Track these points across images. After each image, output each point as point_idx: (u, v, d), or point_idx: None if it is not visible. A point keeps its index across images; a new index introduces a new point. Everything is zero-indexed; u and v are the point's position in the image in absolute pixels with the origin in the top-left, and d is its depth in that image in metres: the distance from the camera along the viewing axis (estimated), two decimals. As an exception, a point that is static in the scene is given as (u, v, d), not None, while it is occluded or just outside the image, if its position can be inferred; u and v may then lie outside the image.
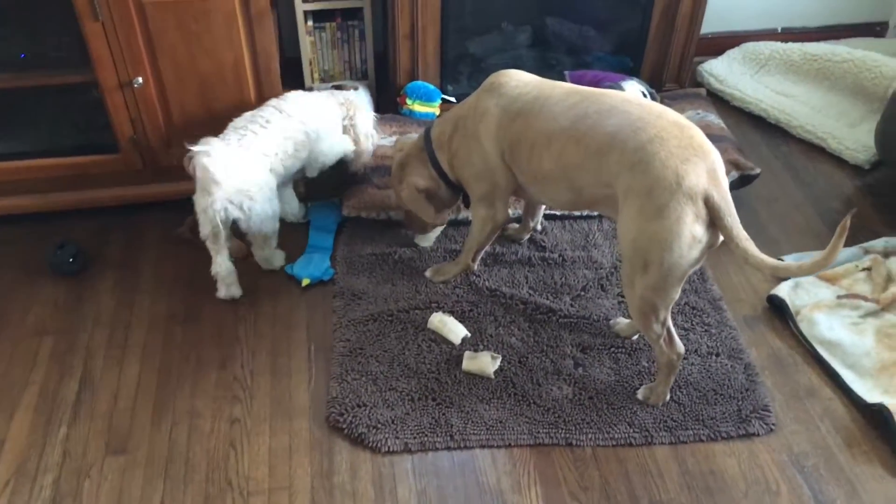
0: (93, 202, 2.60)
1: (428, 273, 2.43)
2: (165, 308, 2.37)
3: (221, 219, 2.19)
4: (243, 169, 2.21)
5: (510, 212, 2.55)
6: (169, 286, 2.44)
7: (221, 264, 2.32)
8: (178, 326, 2.31)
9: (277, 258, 2.47)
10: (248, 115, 2.34)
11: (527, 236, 2.56)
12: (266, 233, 2.35)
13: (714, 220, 1.77)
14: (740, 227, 1.78)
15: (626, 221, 1.83)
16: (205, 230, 2.23)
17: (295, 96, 2.43)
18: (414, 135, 2.34)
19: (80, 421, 2.06)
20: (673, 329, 1.98)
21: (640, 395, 2.09)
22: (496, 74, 2.16)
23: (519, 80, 2.11)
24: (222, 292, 2.37)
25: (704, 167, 1.76)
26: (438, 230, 2.55)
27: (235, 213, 2.21)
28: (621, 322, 2.28)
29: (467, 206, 2.38)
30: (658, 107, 1.89)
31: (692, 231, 1.75)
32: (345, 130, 2.56)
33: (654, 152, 1.77)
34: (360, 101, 2.60)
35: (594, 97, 1.95)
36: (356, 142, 2.58)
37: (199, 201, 2.18)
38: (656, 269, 1.80)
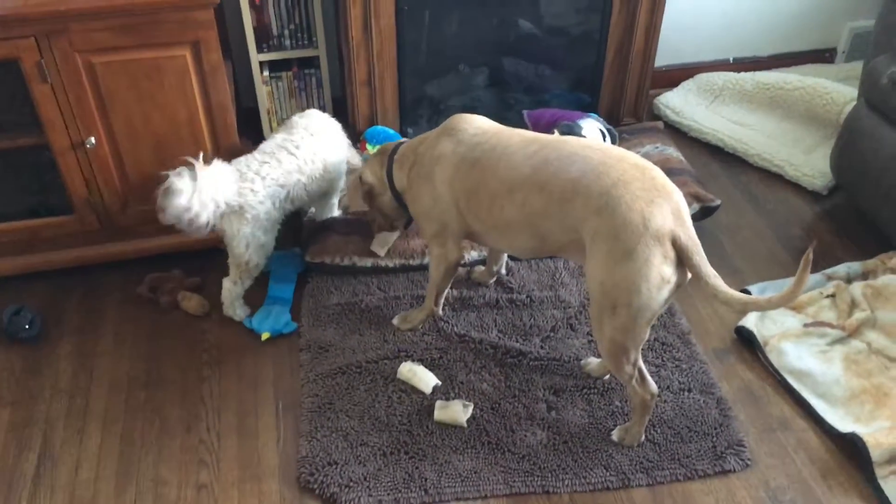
0: (49, 265, 2.54)
1: (395, 321, 2.40)
2: (127, 371, 2.30)
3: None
4: (246, 190, 2.24)
5: (475, 253, 2.55)
6: (130, 348, 2.37)
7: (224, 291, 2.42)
8: (140, 390, 2.25)
9: (241, 308, 2.42)
10: (279, 137, 2.41)
11: (492, 280, 2.54)
12: (251, 261, 2.33)
13: (682, 260, 1.78)
14: (708, 264, 1.78)
15: (594, 265, 1.82)
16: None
17: (318, 117, 2.51)
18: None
19: (40, 495, 1.98)
20: (644, 368, 1.97)
21: (614, 436, 2.07)
22: (456, 118, 2.15)
23: (478, 127, 2.10)
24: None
25: (669, 208, 1.77)
26: (392, 238, 2.54)
27: (218, 223, 2.24)
28: (592, 362, 2.26)
29: (407, 226, 2.46)
30: (618, 150, 1.90)
31: (661, 272, 1.75)
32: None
33: (619, 196, 1.77)
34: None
35: (554, 144, 1.95)
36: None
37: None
38: (625, 311, 1.80)
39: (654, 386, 1.99)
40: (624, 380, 1.96)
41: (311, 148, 2.40)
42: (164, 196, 2.11)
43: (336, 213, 2.67)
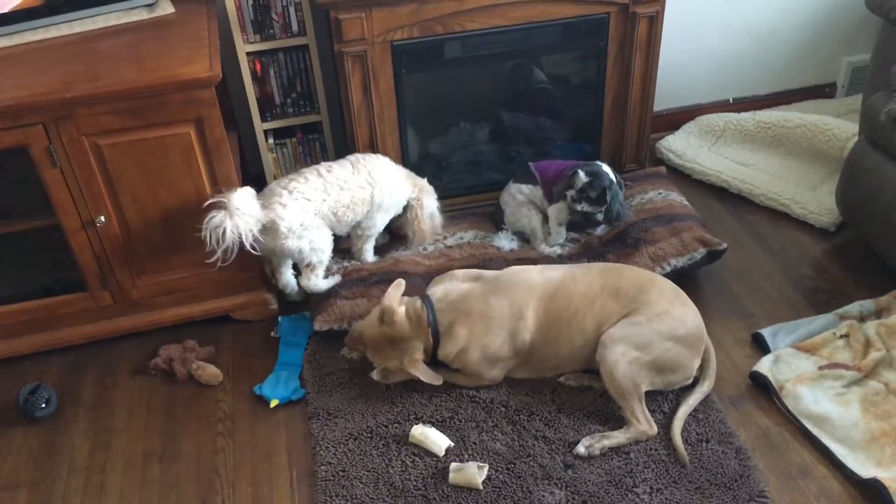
0: (64, 341, 2.57)
1: (375, 375, 2.38)
2: (142, 446, 2.31)
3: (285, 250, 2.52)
4: (284, 210, 2.45)
5: None
6: (145, 422, 2.39)
7: (280, 279, 2.67)
8: (155, 465, 2.25)
9: (323, 282, 2.63)
10: (325, 164, 2.62)
11: None
12: (317, 261, 2.57)
13: None
14: None
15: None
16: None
17: (376, 160, 2.68)
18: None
19: (57, 579, 1.99)
20: None
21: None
22: (508, 273, 2.38)
23: (533, 269, 2.39)
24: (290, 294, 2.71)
25: None
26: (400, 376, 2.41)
27: (294, 245, 2.50)
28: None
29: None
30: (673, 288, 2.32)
31: None
32: (410, 209, 2.75)
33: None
34: (427, 185, 2.81)
35: (612, 265, 2.42)
36: (419, 221, 2.75)
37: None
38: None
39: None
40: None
41: (343, 177, 2.56)
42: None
43: (371, 258, 2.75)
